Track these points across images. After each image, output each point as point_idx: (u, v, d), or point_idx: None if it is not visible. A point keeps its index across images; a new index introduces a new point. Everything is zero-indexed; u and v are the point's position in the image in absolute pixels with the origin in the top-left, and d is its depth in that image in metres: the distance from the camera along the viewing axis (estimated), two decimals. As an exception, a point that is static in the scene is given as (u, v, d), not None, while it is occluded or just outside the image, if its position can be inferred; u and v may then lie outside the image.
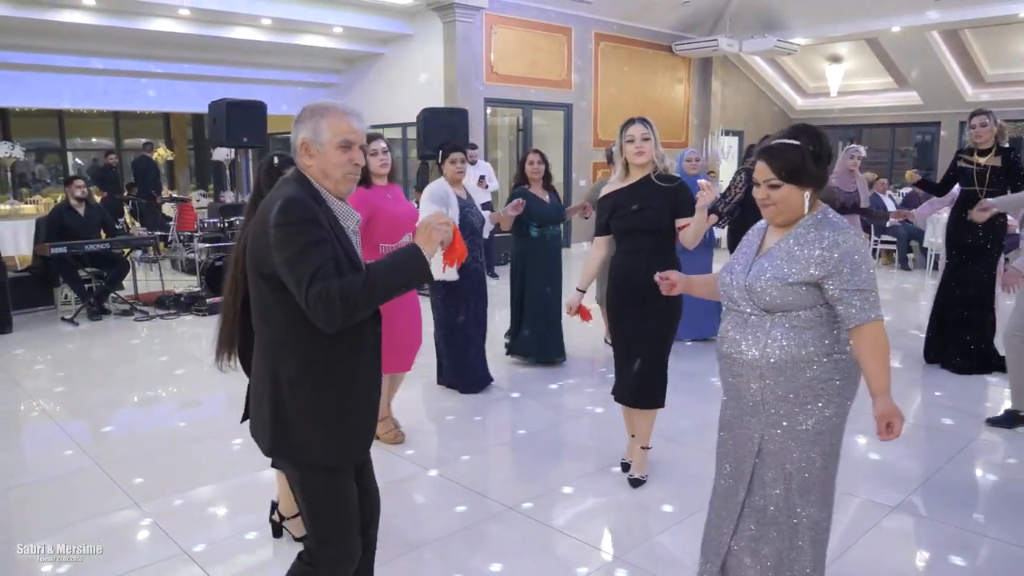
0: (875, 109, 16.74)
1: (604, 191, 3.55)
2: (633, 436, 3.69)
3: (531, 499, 3.52)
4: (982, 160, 5.12)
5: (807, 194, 2.17)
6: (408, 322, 3.94)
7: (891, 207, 10.71)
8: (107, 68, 11.29)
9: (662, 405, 3.52)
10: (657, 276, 2.55)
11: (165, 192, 13.46)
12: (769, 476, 2.23)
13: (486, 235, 5.12)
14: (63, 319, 7.49)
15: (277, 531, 3.13)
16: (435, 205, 4.41)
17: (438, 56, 11.54)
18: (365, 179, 3.76)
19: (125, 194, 12.33)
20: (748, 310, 2.21)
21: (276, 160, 2.71)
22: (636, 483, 3.60)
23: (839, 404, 2.17)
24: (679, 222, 3.39)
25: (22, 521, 3.44)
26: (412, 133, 11.06)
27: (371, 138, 3.79)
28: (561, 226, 5.68)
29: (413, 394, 4.99)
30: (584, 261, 3.57)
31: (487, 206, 8.98)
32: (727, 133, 15.93)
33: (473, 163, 9.93)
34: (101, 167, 12.93)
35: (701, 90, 15.50)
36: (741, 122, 16.59)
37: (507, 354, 5.82)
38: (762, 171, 2.18)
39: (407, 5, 11.46)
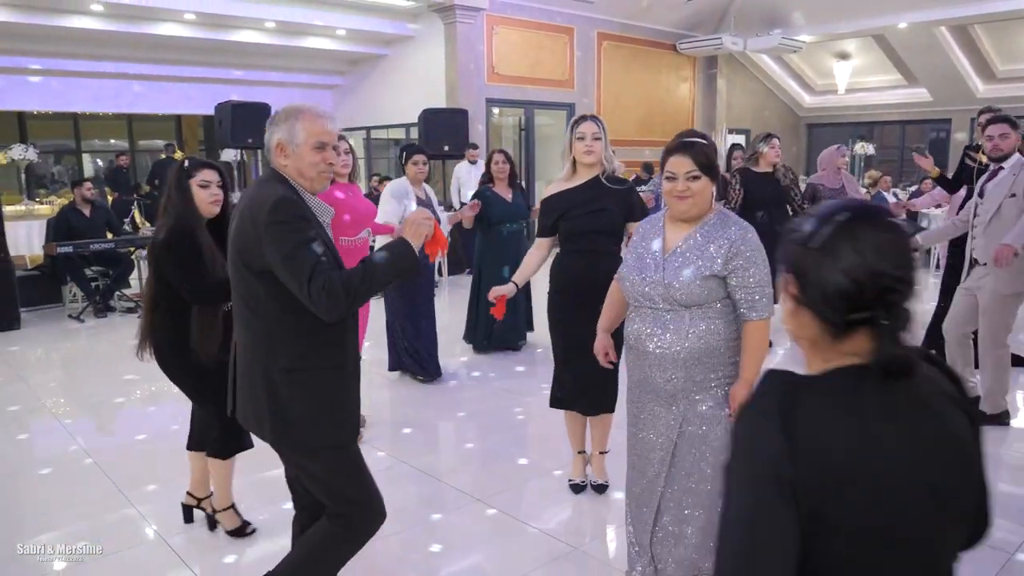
0: (885, 106, 16.67)
1: (549, 191, 3.44)
2: (580, 452, 3.61)
3: (485, 486, 3.65)
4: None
5: (713, 190, 2.33)
6: (362, 317, 4.12)
7: (892, 204, 10.71)
8: (118, 72, 11.55)
9: (613, 409, 3.44)
10: (600, 352, 2.82)
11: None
12: (690, 459, 2.39)
13: (445, 233, 5.41)
14: (70, 316, 7.71)
15: (212, 523, 3.23)
16: (395, 201, 4.74)
17: (440, 57, 11.69)
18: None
19: (133, 195, 12.57)
20: (665, 306, 2.32)
21: (187, 163, 2.89)
22: (601, 489, 3.55)
23: (725, 392, 2.39)
24: (630, 226, 3.29)
25: (22, 516, 3.56)
26: (415, 133, 11.20)
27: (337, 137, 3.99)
28: (524, 223, 5.90)
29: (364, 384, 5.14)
30: (523, 260, 3.50)
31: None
32: (732, 132, 15.93)
33: (474, 163, 10.07)
34: (112, 168, 13.20)
35: (706, 89, 15.52)
36: (748, 121, 16.58)
37: (468, 342, 6.16)
38: (682, 163, 2.27)
39: (409, 7, 11.61)
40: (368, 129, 13.85)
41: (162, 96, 12.53)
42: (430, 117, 10.42)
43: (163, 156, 13.81)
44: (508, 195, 5.70)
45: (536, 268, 3.47)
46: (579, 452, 3.62)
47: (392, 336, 5.29)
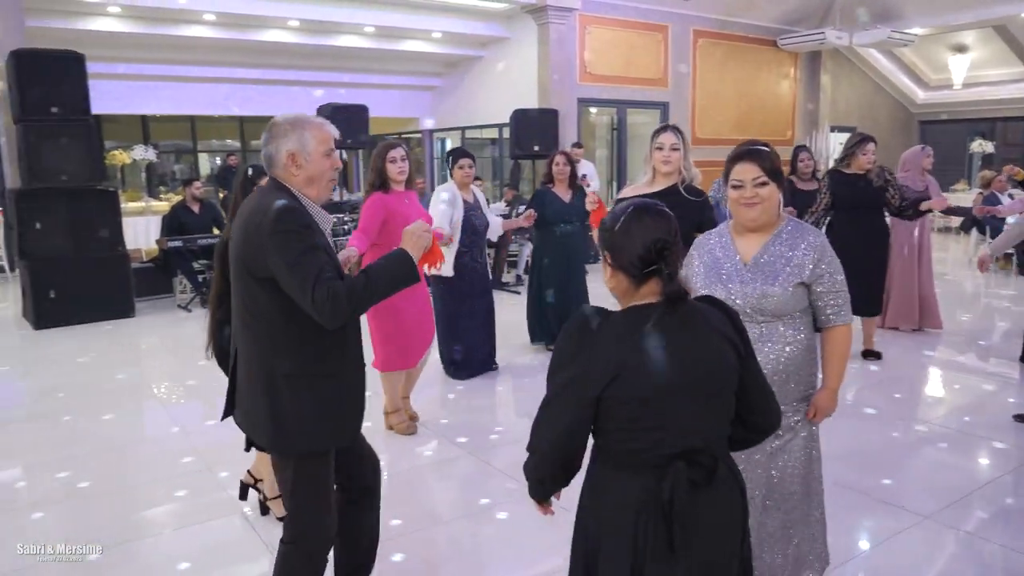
0: (1007, 101, 15.66)
1: (625, 192, 3.62)
2: None
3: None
4: None
5: (779, 196, 2.28)
6: (416, 321, 4.20)
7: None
8: (229, 76, 12.23)
9: None
10: None
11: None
12: (786, 479, 2.32)
13: (494, 238, 5.66)
14: (179, 306, 8.26)
15: (248, 498, 3.43)
16: (446, 206, 4.84)
17: (533, 57, 11.79)
18: (383, 184, 4.08)
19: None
20: (758, 319, 2.26)
21: (250, 171, 3.02)
22: None
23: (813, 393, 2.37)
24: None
25: (123, 493, 3.88)
26: (508, 133, 11.36)
27: (391, 145, 4.09)
28: (581, 223, 5.80)
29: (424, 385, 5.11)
30: None
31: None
32: (836, 130, 15.33)
33: (577, 162, 10.12)
34: (223, 167, 13.99)
35: (809, 85, 15.00)
36: (855, 118, 15.93)
37: (532, 342, 6.16)
38: (749, 170, 2.24)
39: (503, 9, 11.76)
40: (463, 129, 14.12)
41: (270, 99, 13.16)
42: (520, 117, 10.55)
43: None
44: (567, 196, 5.72)
45: None
46: None
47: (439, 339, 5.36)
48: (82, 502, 3.62)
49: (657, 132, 3.53)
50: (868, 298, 5.40)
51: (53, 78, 7.00)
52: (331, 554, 2.36)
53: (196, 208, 8.46)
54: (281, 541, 2.26)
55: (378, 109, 13.82)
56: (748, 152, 2.27)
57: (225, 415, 2.33)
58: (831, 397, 2.30)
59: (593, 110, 12.99)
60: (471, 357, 5.35)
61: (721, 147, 11.94)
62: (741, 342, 1.65)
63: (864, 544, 3.11)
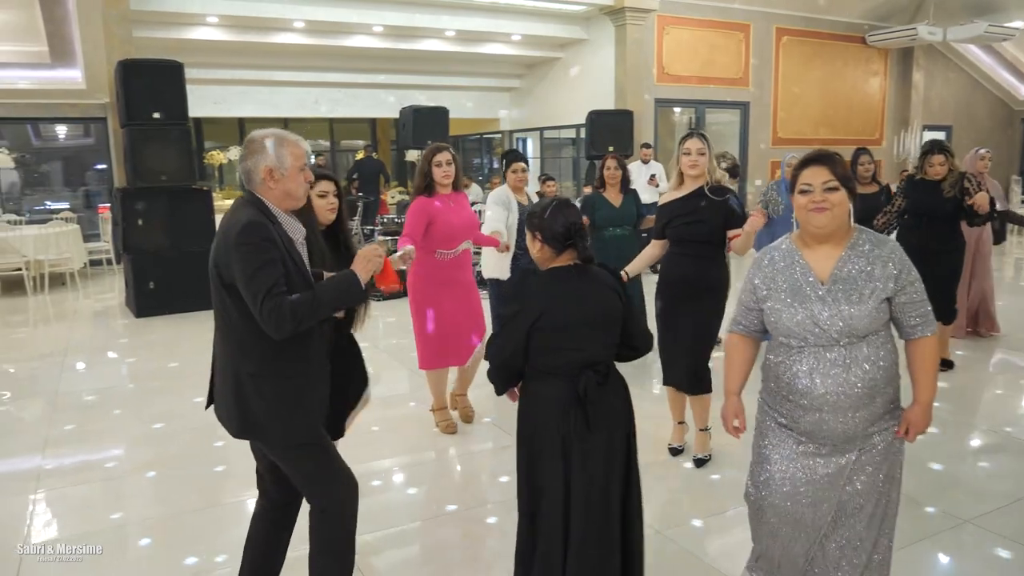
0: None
1: (663, 199, 3.86)
2: (681, 423, 4.04)
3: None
4: None
5: (851, 205, 2.15)
6: (458, 322, 4.26)
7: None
8: (318, 80, 12.79)
9: (711, 391, 3.84)
10: (728, 418, 2.40)
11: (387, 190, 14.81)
12: (857, 495, 2.18)
13: None
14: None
15: None
16: (499, 208, 4.87)
17: (610, 59, 11.87)
18: (429, 187, 4.13)
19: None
20: (842, 340, 2.10)
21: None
22: (700, 463, 3.89)
23: (899, 418, 2.21)
24: (730, 233, 3.67)
25: (205, 462, 4.24)
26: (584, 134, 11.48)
27: (438, 149, 4.14)
28: (631, 228, 5.69)
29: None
30: (648, 256, 3.93)
31: (653, 207, 9.19)
32: (929, 128, 14.75)
33: (646, 162, 10.17)
34: (313, 167, 14.56)
35: (900, 83, 14.50)
36: (950, 116, 15.29)
37: None
38: (819, 174, 2.13)
39: (581, 11, 11.88)
40: (541, 130, 14.31)
41: (356, 101, 13.69)
42: (596, 118, 10.65)
43: (362, 155, 15.17)
44: (618, 200, 5.63)
45: (646, 262, 3.94)
46: (679, 422, 4.07)
47: None
48: (176, 473, 3.98)
49: (684, 139, 3.73)
50: (941, 306, 5.22)
51: (155, 85, 7.56)
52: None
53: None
54: (310, 514, 2.40)
55: (458, 110, 14.18)
56: (818, 156, 2.18)
57: (207, 405, 2.48)
58: (925, 412, 2.17)
59: (677, 110, 12.97)
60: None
61: (803, 147, 11.72)
62: (622, 291, 2.42)
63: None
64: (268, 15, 10.34)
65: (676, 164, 3.72)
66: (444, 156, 4.12)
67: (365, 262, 2.28)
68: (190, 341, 6.76)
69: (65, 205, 12.12)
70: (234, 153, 12.82)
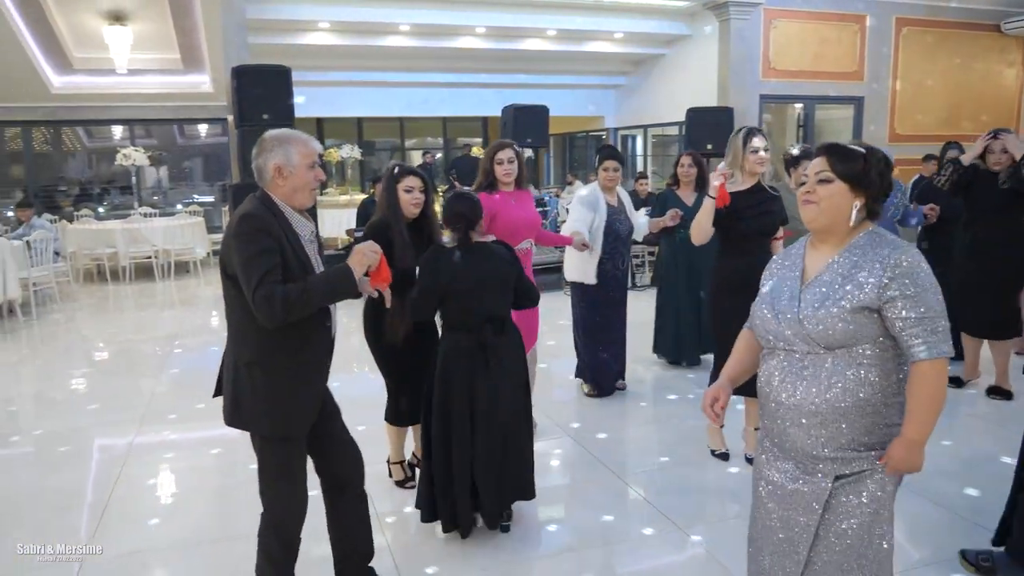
0: None
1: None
2: (720, 426, 3.94)
3: (642, 483, 3.92)
4: None
5: (858, 204, 1.93)
6: (524, 324, 3.93)
7: None
8: (426, 81, 13.26)
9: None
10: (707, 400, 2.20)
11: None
12: (832, 535, 1.96)
13: (639, 238, 5.16)
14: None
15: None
16: (585, 209, 4.64)
17: (715, 54, 11.65)
18: (491, 184, 4.03)
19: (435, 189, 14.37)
20: (804, 348, 1.94)
21: (396, 169, 3.37)
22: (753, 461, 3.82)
23: None
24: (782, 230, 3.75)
25: None
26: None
27: (500, 147, 4.06)
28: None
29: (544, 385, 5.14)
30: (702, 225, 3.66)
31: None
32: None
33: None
34: (420, 166, 15.14)
35: (1041, 73, 13.38)
36: (1099, 108, 13.96)
37: (653, 351, 5.88)
38: (817, 164, 1.97)
39: (684, 7, 11.73)
40: (645, 127, 14.22)
41: (464, 100, 14.09)
42: (694, 116, 10.51)
43: (461, 153, 15.61)
44: (691, 199, 5.35)
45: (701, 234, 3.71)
46: (755, 428, 3.75)
47: (575, 343, 5.18)
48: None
49: (749, 136, 3.71)
50: (997, 317, 4.65)
51: (265, 89, 8.13)
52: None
53: (382, 202, 9.39)
54: (261, 514, 2.49)
55: (562, 108, 14.30)
56: (827, 147, 2.00)
57: (215, 394, 2.51)
58: (906, 448, 1.85)
59: (798, 107, 12.55)
60: (601, 380, 5.08)
61: (923, 144, 11.10)
62: (514, 262, 3.18)
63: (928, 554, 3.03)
64: (375, 19, 10.85)
65: (740, 160, 3.70)
66: (507, 153, 4.03)
67: (360, 257, 2.33)
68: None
69: (211, 199, 13.27)
70: (345, 151, 13.49)
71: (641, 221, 4.98)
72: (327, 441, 2.55)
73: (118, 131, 13.55)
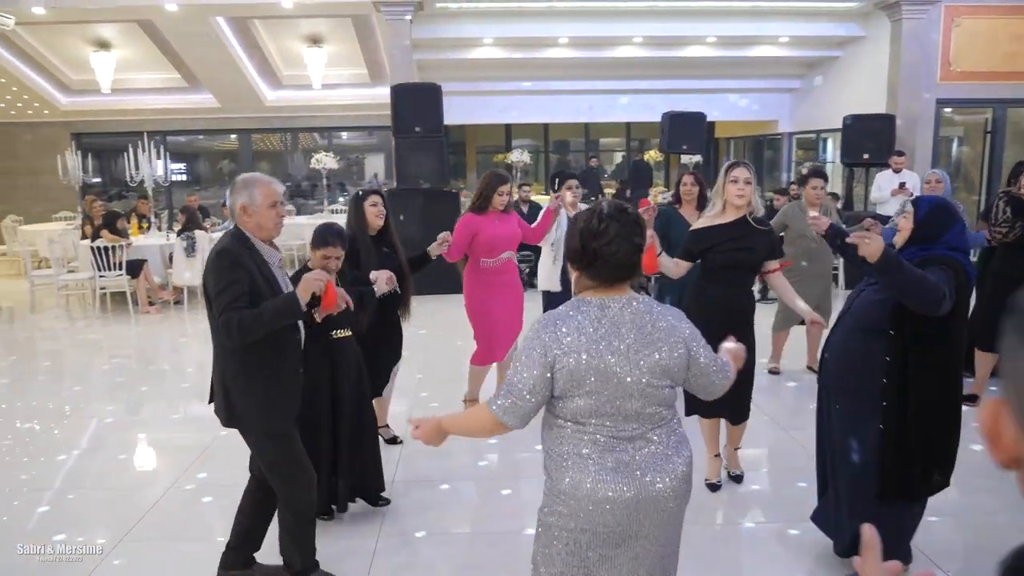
0: None
1: (699, 224, 3.82)
2: (717, 456, 3.97)
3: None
4: None
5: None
6: (500, 318, 4.69)
7: None
8: (588, 88, 13.69)
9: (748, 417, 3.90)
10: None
11: (654, 191, 15.42)
12: None
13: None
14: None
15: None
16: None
17: (886, 57, 11.03)
18: (482, 207, 4.60)
19: (599, 193, 14.72)
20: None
21: (360, 193, 4.06)
22: (739, 479, 3.98)
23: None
24: (769, 264, 3.68)
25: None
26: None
27: (504, 180, 4.63)
28: None
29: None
30: (669, 270, 3.76)
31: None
32: None
33: (898, 171, 9.46)
34: (585, 168, 15.54)
35: None
36: None
37: None
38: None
39: (855, 7, 11.21)
40: (817, 133, 13.67)
41: (628, 107, 14.30)
42: (853, 123, 10.07)
43: (638, 157, 15.91)
44: (693, 217, 5.13)
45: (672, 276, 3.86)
46: (715, 455, 3.96)
47: None
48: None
49: (730, 167, 3.69)
50: None
51: (419, 104, 9.06)
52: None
53: (526, 208, 10.01)
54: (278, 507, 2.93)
55: (728, 113, 14.14)
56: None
57: (209, 401, 2.89)
58: (434, 427, 2.05)
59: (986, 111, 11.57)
60: None
61: None
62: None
63: None
64: (536, 34, 11.50)
65: (720, 192, 3.71)
66: (507, 187, 4.64)
67: (306, 284, 2.63)
68: (443, 315, 7.67)
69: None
70: (516, 155, 14.29)
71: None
72: None
73: (316, 137, 15.50)
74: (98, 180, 15.19)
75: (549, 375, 1.85)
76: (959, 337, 2.79)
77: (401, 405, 5.16)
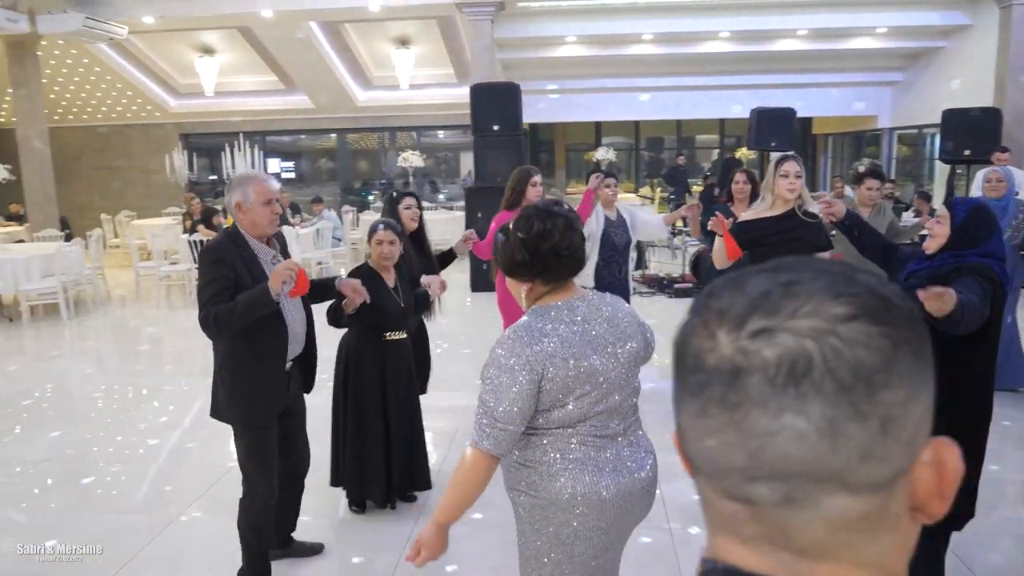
0: None
1: (747, 216, 3.80)
2: None
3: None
4: None
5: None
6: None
7: None
8: (675, 85, 13.50)
9: None
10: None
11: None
12: None
13: (663, 235, 5.43)
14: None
15: None
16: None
17: (994, 47, 10.38)
18: (516, 203, 4.43)
19: (685, 192, 14.50)
20: None
21: (395, 194, 4.10)
22: None
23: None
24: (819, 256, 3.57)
25: None
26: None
27: (532, 172, 4.57)
28: None
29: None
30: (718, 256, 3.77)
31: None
32: None
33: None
34: (672, 167, 15.31)
35: None
36: None
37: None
38: None
39: (959, -6, 10.61)
40: (920, 128, 12.99)
41: (717, 102, 14.01)
42: (952, 118, 9.52)
43: (729, 155, 15.62)
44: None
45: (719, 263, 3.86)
46: None
47: None
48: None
49: (781, 161, 3.63)
50: None
51: (497, 103, 9.18)
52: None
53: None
54: (240, 500, 2.93)
55: (823, 109, 13.64)
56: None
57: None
58: (433, 531, 1.93)
59: None
60: None
61: None
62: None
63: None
64: (620, 31, 11.44)
65: (770, 185, 3.67)
66: (539, 178, 4.61)
67: (276, 275, 2.63)
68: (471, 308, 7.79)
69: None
70: (600, 153, 14.26)
71: (653, 219, 5.23)
72: (285, 442, 3.02)
73: (413, 135, 15.90)
74: (212, 178, 16.12)
75: (536, 391, 1.78)
76: (991, 354, 2.55)
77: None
